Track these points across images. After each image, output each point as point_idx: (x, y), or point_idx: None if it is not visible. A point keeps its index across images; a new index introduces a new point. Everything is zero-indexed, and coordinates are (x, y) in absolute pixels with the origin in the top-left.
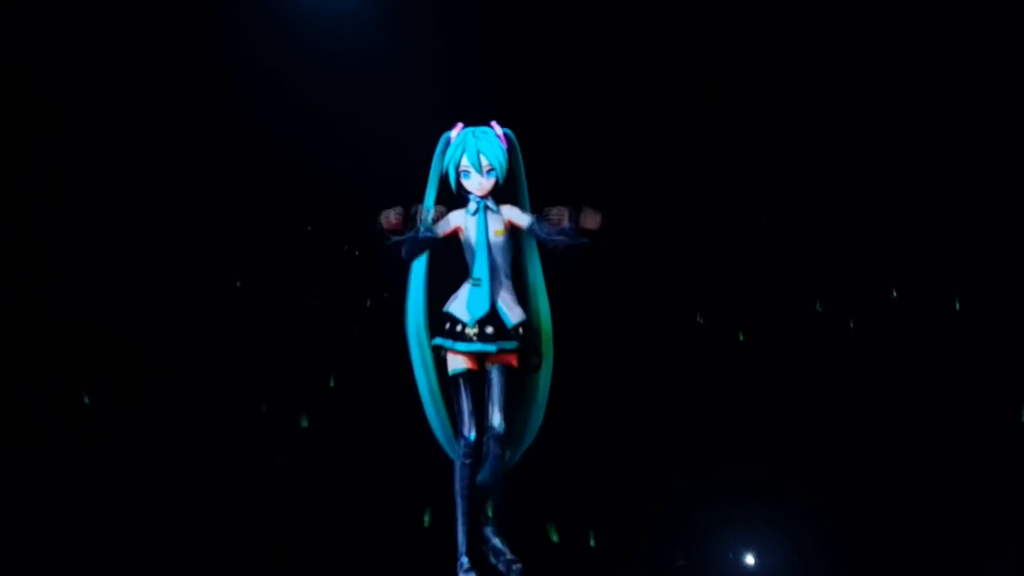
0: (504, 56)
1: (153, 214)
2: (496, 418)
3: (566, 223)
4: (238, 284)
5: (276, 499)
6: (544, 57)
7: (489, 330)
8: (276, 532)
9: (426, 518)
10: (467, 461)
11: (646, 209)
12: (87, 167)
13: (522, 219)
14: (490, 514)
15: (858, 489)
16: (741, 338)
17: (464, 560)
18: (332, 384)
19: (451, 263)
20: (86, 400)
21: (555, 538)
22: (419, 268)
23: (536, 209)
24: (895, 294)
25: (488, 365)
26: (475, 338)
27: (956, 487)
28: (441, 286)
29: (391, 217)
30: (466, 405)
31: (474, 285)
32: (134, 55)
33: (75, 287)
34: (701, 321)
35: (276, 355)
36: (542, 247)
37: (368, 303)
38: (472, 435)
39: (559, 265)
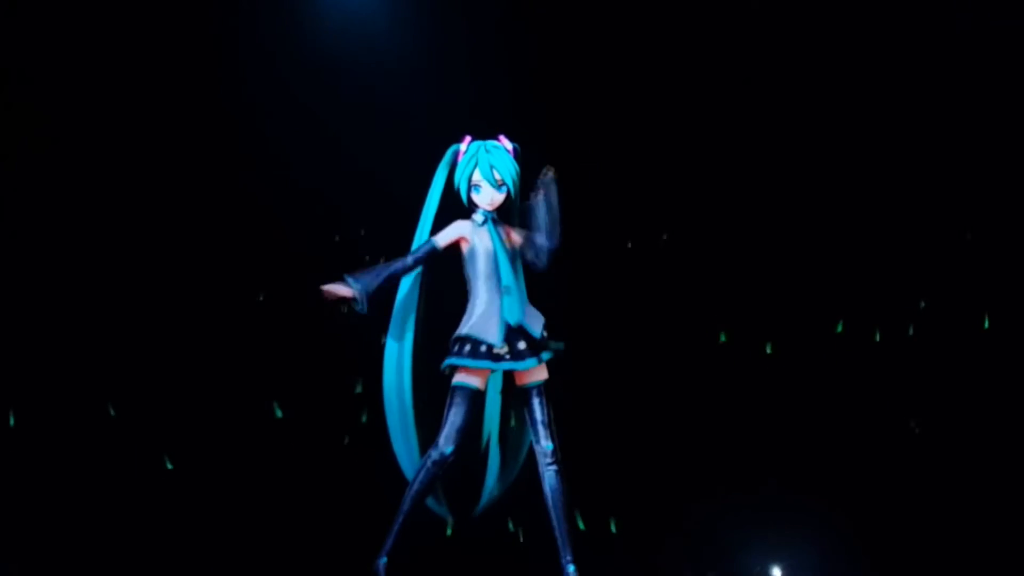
0: (520, 68)
1: (174, 225)
2: (550, 443)
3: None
4: (261, 298)
5: (300, 505)
6: (559, 70)
7: (521, 346)
8: (296, 538)
9: (448, 529)
10: (436, 471)
11: (664, 219)
12: (104, 177)
13: (516, 238)
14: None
15: (882, 503)
16: (768, 350)
17: (383, 560)
18: (359, 390)
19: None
20: (111, 412)
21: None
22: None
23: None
24: (923, 305)
25: (518, 386)
26: (507, 356)
27: (983, 503)
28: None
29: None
30: (460, 421)
31: (505, 293)
32: (155, 65)
33: (91, 296)
34: (723, 339)
35: (303, 362)
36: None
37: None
38: (450, 449)
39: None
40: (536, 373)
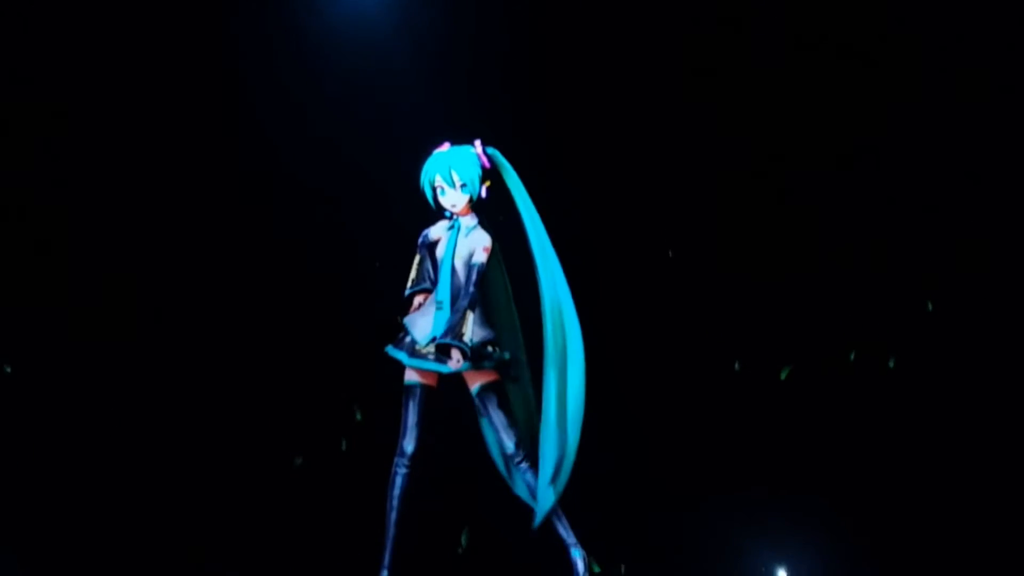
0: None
1: (173, 225)
2: (508, 444)
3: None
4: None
5: (307, 515)
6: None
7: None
8: (308, 550)
9: (463, 539)
10: (401, 471)
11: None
12: (106, 177)
13: (480, 254)
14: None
15: (887, 506)
16: (783, 376)
17: (385, 573)
18: (359, 417)
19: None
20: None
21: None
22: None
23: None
24: (930, 307)
25: (469, 389)
26: (429, 356)
27: (987, 506)
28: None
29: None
30: (410, 418)
31: (437, 308)
32: (159, 64)
33: (92, 296)
34: (737, 368)
35: (305, 373)
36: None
37: (399, 319)
38: (410, 448)
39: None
40: (475, 378)
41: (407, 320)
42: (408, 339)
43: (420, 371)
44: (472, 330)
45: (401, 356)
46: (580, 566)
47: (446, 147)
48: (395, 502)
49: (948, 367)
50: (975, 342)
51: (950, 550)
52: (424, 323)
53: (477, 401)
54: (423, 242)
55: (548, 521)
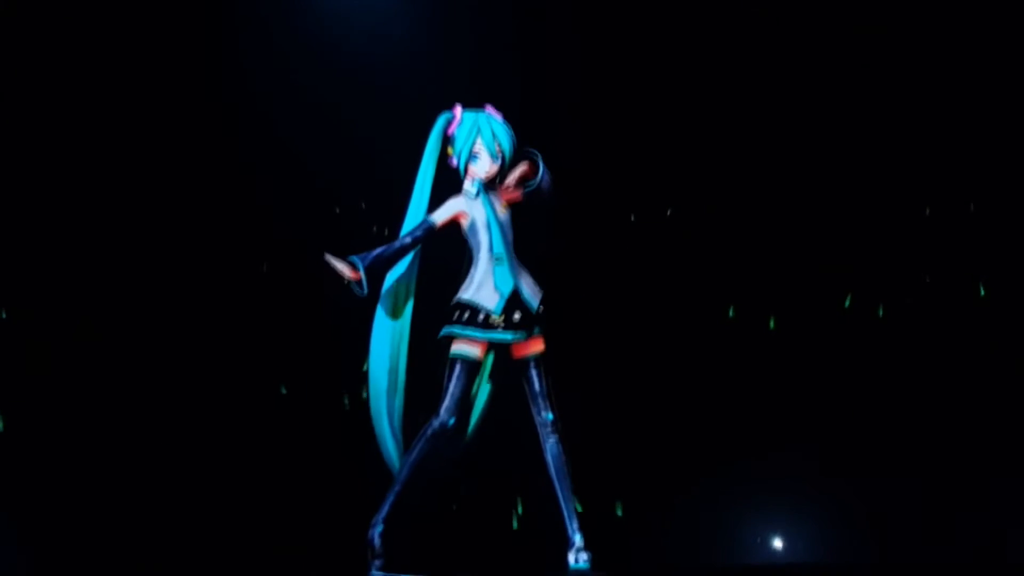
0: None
1: (177, 199)
2: (548, 415)
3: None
4: (264, 269)
5: (298, 475)
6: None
7: (516, 316)
8: (293, 508)
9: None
10: (435, 442)
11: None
12: (106, 163)
13: (507, 196)
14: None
15: (880, 475)
16: (772, 326)
17: (380, 528)
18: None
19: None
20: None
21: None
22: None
23: None
24: (927, 280)
25: (515, 358)
26: (501, 325)
27: (982, 475)
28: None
29: (348, 273)
30: (459, 391)
31: (496, 263)
32: (152, 51)
33: (92, 280)
34: (731, 314)
35: (306, 338)
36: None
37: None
38: (452, 421)
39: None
40: (533, 345)
41: (471, 297)
42: (480, 315)
43: (479, 342)
44: (532, 290)
45: (473, 333)
46: (577, 538)
47: (460, 109)
48: (416, 467)
49: (941, 331)
50: (970, 305)
51: (943, 516)
52: (492, 293)
53: (532, 369)
54: (431, 227)
55: (561, 508)
